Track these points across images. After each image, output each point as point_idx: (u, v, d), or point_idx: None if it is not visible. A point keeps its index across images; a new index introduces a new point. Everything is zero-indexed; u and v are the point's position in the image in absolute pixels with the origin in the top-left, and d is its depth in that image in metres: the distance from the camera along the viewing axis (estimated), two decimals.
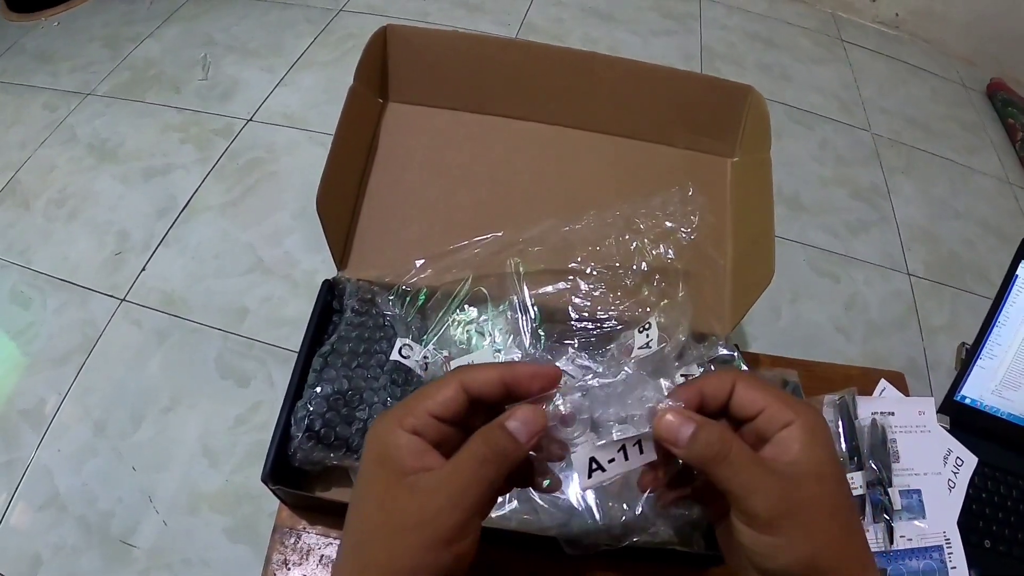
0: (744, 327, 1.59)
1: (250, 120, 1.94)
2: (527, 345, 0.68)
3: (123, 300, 1.55)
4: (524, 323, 0.69)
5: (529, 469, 0.44)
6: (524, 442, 0.39)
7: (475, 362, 0.68)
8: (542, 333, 0.69)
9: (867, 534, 0.41)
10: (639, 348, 0.67)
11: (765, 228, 0.76)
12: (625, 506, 0.65)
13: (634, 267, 0.72)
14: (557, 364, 0.69)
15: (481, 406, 0.42)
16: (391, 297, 0.73)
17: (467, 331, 0.71)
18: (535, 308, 0.70)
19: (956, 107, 2.59)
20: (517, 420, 0.39)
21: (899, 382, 0.94)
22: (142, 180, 1.78)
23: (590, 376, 0.45)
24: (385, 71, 0.83)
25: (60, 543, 1.26)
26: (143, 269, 1.60)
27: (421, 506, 0.37)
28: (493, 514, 0.64)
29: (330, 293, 0.75)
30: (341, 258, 0.77)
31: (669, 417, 0.41)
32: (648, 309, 0.71)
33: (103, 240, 1.66)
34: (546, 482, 0.44)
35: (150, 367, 1.45)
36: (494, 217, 0.77)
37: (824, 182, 2.11)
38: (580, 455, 0.43)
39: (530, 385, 0.41)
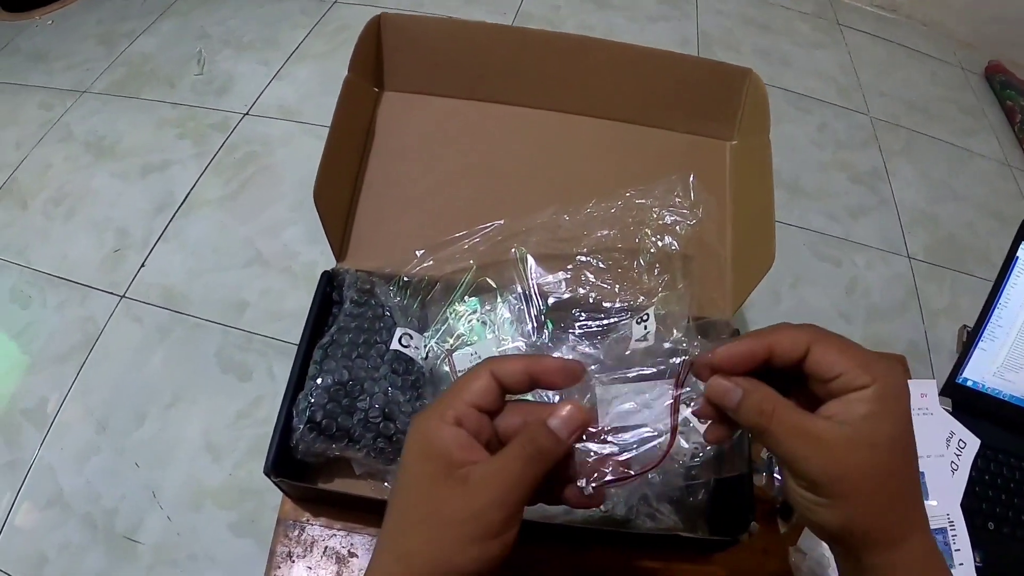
0: (744, 312, 1.58)
1: (246, 114, 1.93)
2: (532, 335, 0.68)
3: (123, 297, 1.54)
4: (530, 312, 0.68)
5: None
6: (565, 439, 0.40)
7: (478, 353, 0.68)
8: (549, 322, 0.69)
9: None
10: (636, 340, 0.66)
11: (765, 212, 0.75)
12: (627, 492, 0.65)
13: (639, 258, 0.72)
14: (558, 353, 0.69)
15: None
16: (391, 287, 0.72)
17: (470, 322, 0.70)
18: (540, 297, 0.69)
19: (955, 90, 2.57)
20: (558, 418, 0.40)
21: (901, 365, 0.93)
22: (139, 176, 1.78)
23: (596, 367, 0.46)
24: (380, 60, 0.83)
25: (65, 542, 1.26)
26: (142, 265, 1.60)
27: (470, 500, 0.38)
28: None
29: (329, 284, 0.74)
30: (339, 249, 0.76)
31: (719, 380, 0.41)
32: (652, 299, 0.70)
33: (102, 237, 1.65)
34: (588, 485, 0.42)
35: (152, 363, 1.45)
36: (492, 205, 0.77)
37: (823, 166, 2.10)
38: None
39: (555, 378, 0.42)
